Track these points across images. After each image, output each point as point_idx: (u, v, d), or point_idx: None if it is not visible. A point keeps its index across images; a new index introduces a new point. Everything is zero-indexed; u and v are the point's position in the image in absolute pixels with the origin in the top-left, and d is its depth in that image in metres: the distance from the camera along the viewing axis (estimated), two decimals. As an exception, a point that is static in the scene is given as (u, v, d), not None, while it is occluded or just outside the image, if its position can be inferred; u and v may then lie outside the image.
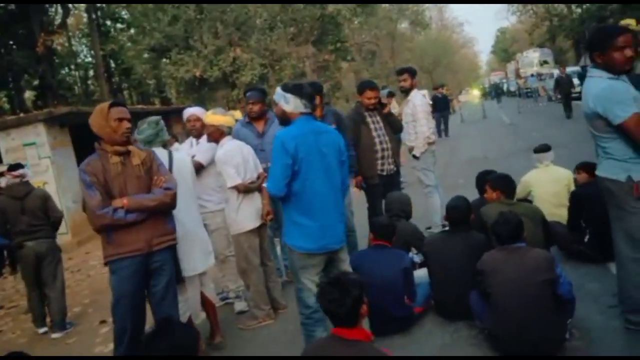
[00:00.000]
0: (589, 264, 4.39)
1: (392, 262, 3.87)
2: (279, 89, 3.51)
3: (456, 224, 3.98)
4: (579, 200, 4.53)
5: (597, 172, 3.34)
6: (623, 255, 3.28)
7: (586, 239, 4.48)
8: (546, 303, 3.15)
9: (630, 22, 3.16)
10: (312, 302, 3.27)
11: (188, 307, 3.94)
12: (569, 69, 22.73)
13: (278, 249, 5.43)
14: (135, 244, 3.35)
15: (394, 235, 4.06)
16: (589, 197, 4.30)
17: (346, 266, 3.50)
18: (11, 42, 24.99)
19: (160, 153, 3.83)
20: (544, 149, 5.32)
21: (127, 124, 3.38)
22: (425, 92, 25.86)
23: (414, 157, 6.07)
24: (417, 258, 4.58)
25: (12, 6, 23.24)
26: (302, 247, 3.33)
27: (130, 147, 3.44)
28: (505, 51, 69.91)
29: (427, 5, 50.84)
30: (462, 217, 3.96)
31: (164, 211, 3.47)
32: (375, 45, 40.08)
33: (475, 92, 39.54)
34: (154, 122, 3.99)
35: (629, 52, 3.10)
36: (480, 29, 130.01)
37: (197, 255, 4.00)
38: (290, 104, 3.39)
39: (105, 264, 3.42)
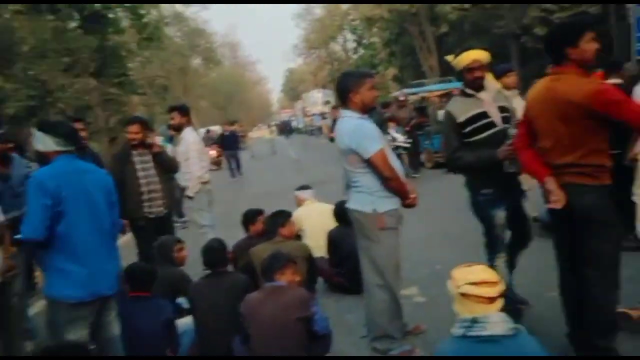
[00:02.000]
0: (349, 296, 4.66)
1: (152, 314, 3.61)
2: (34, 129, 3.19)
3: (214, 267, 3.89)
4: (333, 238, 4.85)
5: (348, 205, 3.60)
6: (369, 282, 3.56)
7: (345, 272, 4.77)
8: (300, 341, 3.20)
9: (477, 54, 3.51)
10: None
11: None
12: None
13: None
14: None
15: (153, 283, 3.80)
16: (343, 234, 4.62)
17: (114, 316, 3.24)
18: None
19: None
20: (304, 187, 5.64)
21: None
22: (217, 127, 25.74)
23: (188, 197, 5.91)
24: (186, 304, 4.38)
25: None
26: (70, 296, 2.97)
27: None
28: (293, 90, 74.19)
29: (219, 42, 51.78)
30: (219, 259, 3.89)
31: None
32: (167, 80, 39.34)
33: (266, 129, 41.11)
34: None
35: (375, 93, 3.58)
36: (271, 68, 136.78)
37: None
38: (45, 143, 3.09)
39: None
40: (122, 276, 3.59)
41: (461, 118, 3.54)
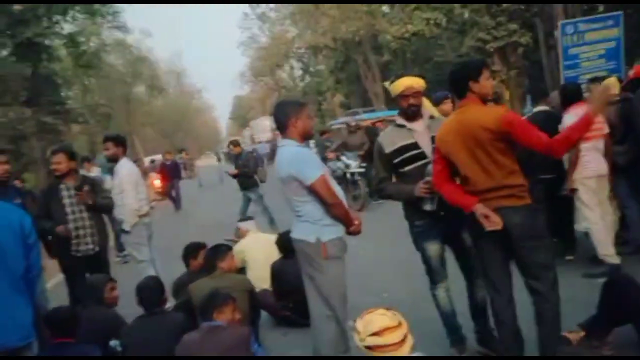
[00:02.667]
0: (296, 329, 4.51)
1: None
2: None
3: (149, 306, 3.67)
4: (276, 271, 4.72)
5: (292, 235, 3.50)
6: (316, 313, 3.45)
7: (290, 304, 4.62)
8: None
9: (410, 80, 3.46)
10: None
11: None
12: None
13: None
14: None
15: (75, 327, 3.52)
16: (286, 266, 4.49)
17: None
18: None
19: None
20: (246, 218, 5.52)
21: None
22: (159, 157, 24.91)
23: (123, 231, 5.63)
24: (119, 347, 4.11)
25: None
26: None
27: None
28: (242, 117, 74.00)
29: (163, 70, 51.17)
30: (154, 298, 3.68)
31: None
32: (110, 108, 38.38)
33: (214, 156, 40.66)
34: None
35: (312, 121, 3.64)
36: (218, 95, 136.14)
37: None
38: None
39: None
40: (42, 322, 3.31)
41: (388, 149, 3.54)
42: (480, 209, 2.96)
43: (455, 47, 21.23)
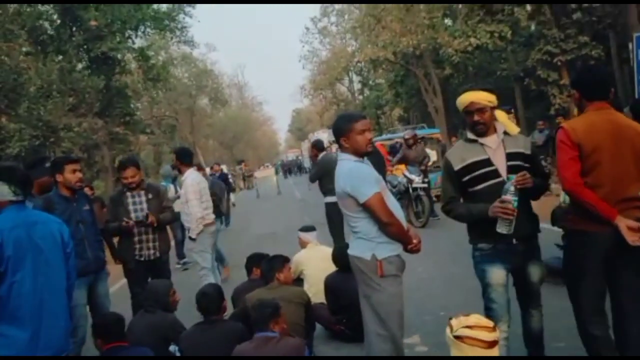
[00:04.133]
0: (349, 344, 4.46)
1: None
2: None
3: (208, 314, 3.72)
4: (330, 286, 4.67)
5: (349, 251, 3.44)
6: (370, 331, 3.37)
7: (345, 319, 4.57)
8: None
9: (474, 95, 3.25)
10: None
11: None
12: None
13: None
14: None
15: (124, 332, 3.60)
16: (342, 280, 4.44)
17: None
18: None
19: None
20: (308, 228, 5.49)
21: None
22: (224, 167, 25.28)
23: (190, 239, 5.81)
24: (178, 352, 4.19)
25: None
26: None
27: None
28: (300, 130, 74.79)
29: (226, 83, 52.61)
30: (214, 306, 3.72)
31: None
32: (175, 120, 39.78)
33: (271, 169, 41.26)
34: None
35: (368, 135, 3.37)
36: (278, 108, 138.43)
37: None
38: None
39: None
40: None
41: (457, 166, 3.27)
42: (623, 220, 2.75)
43: (520, 60, 20.64)
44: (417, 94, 29.31)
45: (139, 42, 22.87)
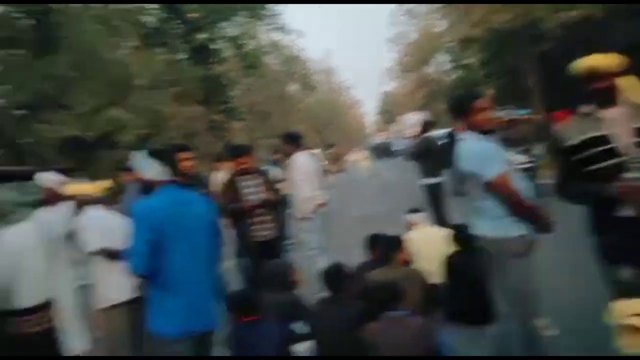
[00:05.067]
0: (471, 326, 4.38)
1: (266, 337, 3.58)
2: (140, 154, 3.22)
3: (334, 291, 3.80)
4: (453, 266, 4.61)
5: (475, 231, 3.40)
6: (502, 311, 3.31)
7: (464, 300, 4.51)
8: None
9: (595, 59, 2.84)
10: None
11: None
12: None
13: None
14: None
15: (256, 306, 3.76)
16: (463, 260, 4.37)
17: (217, 350, 3.19)
18: None
19: None
20: (416, 210, 5.46)
21: None
22: (317, 151, 25.72)
23: (301, 219, 5.98)
24: (301, 329, 4.33)
25: None
26: (167, 332, 2.97)
27: None
28: (389, 113, 73.98)
29: (315, 69, 53.00)
30: (340, 283, 3.80)
31: None
32: (266, 106, 40.69)
33: (364, 151, 41.28)
34: None
35: (489, 113, 3.29)
36: (366, 91, 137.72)
37: (77, 333, 3.54)
38: (155, 171, 3.10)
39: None
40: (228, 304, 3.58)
41: (570, 142, 2.90)
42: None
43: (631, 30, 19.09)
44: (509, 73, 28.02)
45: (232, 31, 23.59)
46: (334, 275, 3.84)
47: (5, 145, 29.36)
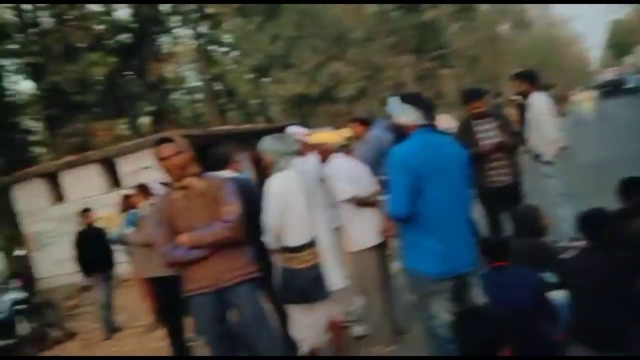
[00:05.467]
0: None
1: (520, 284, 3.45)
2: (394, 99, 3.27)
3: (595, 240, 3.47)
4: None
5: None
6: None
7: None
8: None
9: None
10: (443, 333, 2.96)
11: (312, 332, 3.79)
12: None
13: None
14: (202, 281, 3.27)
15: (509, 252, 3.61)
16: None
17: (476, 291, 3.16)
18: (127, 73, 26.89)
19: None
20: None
21: (173, 161, 3.25)
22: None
23: (543, 162, 5.63)
24: (552, 278, 4.09)
25: (127, 39, 25.01)
26: (427, 270, 3.04)
27: (187, 180, 3.32)
28: (620, 45, 64.67)
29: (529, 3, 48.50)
30: (602, 232, 3.45)
31: (228, 244, 3.30)
32: (476, 50, 38.75)
33: (589, 91, 36.96)
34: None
35: None
36: (589, 23, 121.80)
37: (335, 270, 3.88)
38: (409, 115, 3.14)
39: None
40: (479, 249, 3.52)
41: None
42: None
43: None
44: None
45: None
46: (596, 222, 3.50)
47: (239, 107, 33.14)
